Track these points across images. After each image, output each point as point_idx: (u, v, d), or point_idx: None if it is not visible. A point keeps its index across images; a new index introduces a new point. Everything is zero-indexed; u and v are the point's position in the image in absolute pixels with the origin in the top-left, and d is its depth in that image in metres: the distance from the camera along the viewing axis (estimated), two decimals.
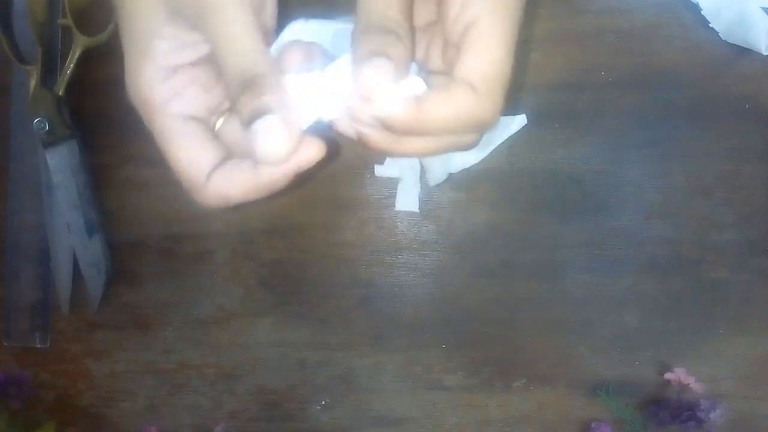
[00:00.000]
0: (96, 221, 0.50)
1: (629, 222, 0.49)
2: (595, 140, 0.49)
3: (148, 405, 0.52)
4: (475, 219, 0.50)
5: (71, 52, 0.49)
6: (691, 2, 0.47)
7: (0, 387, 0.50)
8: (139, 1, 0.29)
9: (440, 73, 0.30)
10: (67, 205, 0.49)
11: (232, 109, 0.30)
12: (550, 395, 0.49)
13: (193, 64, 0.30)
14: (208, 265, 0.51)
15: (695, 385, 0.46)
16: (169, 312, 0.52)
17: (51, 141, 0.49)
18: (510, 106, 0.47)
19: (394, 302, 0.50)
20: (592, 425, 0.48)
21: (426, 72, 0.30)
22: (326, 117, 0.29)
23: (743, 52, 0.47)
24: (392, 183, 0.50)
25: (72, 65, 0.49)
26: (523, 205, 0.49)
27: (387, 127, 0.28)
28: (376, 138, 0.29)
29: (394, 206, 0.50)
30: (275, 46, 0.31)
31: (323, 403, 0.51)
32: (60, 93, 0.49)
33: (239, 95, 0.27)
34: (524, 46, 0.49)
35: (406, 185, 0.50)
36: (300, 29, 0.33)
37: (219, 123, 0.31)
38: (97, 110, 0.51)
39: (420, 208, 0.50)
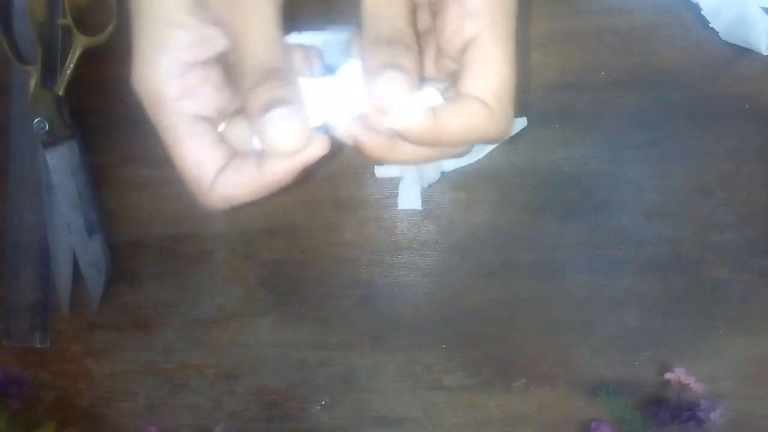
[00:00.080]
0: (96, 221, 0.50)
1: (629, 222, 0.49)
2: (595, 140, 0.49)
3: (148, 405, 0.52)
4: (475, 219, 0.50)
5: (71, 52, 0.49)
6: (691, 2, 0.47)
7: (0, 387, 0.50)
8: None
9: (438, 81, 0.30)
10: (67, 205, 0.49)
11: (243, 103, 0.29)
12: (550, 395, 0.49)
13: (206, 62, 0.30)
14: (208, 265, 0.51)
15: (695, 385, 0.46)
16: (169, 312, 0.52)
17: (51, 141, 0.49)
18: None
19: (394, 302, 0.50)
20: (592, 425, 0.48)
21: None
22: (329, 121, 0.29)
23: (743, 52, 0.47)
24: (392, 183, 0.50)
25: (72, 65, 0.49)
26: (523, 205, 0.49)
27: (403, 137, 0.28)
28: (373, 145, 0.29)
29: (394, 206, 0.50)
30: None
31: (323, 403, 0.51)
32: (60, 93, 0.49)
33: (258, 85, 0.27)
34: (524, 46, 0.49)
35: (407, 184, 0.50)
36: (294, 40, 0.33)
37: (221, 126, 0.31)
38: (97, 110, 0.51)
39: (421, 206, 0.50)
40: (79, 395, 0.52)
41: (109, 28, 0.49)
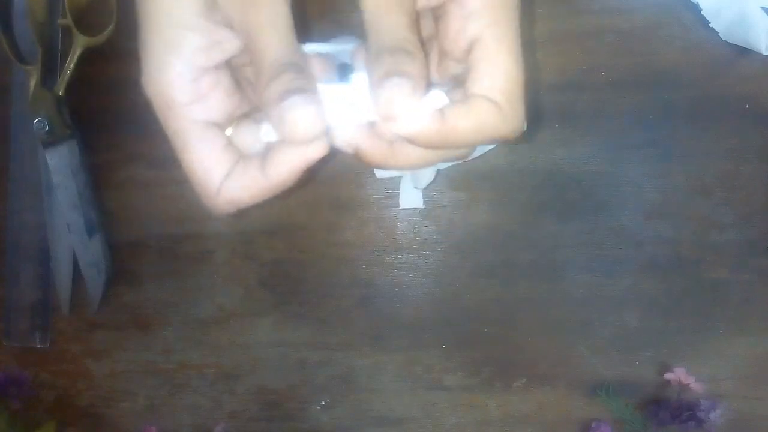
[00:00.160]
0: (96, 221, 0.50)
1: (629, 222, 0.49)
2: (595, 140, 0.49)
3: (148, 405, 0.52)
4: (475, 219, 0.50)
5: (71, 52, 0.48)
6: (691, 2, 0.47)
7: (0, 387, 0.50)
8: None
9: (442, 86, 0.31)
10: (67, 205, 0.49)
11: (259, 100, 0.29)
12: (550, 395, 0.49)
13: (217, 66, 0.30)
14: (208, 265, 0.51)
15: (695, 385, 0.46)
16: (169, 312, 0.52)
17: (51, 141, 0.49)
18: None
19: (394, 302, 0.50)
20: (592, 425, 0.48)
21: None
22: (330, 128, 0.29)
23: (743, 52, 0.47)
24: (392, 183, 0.50)
25: (72, 65, 0.49)
26: (523, 205, 0.49)
27: (410, 141, 0.28)
28: (373, 152, 0.29)
29: (394, 206, 0.50)
30: None
31: (323, 403, 0.51)
32: (60, 93, 0.49)
33: (275, 78, 0.27)
34: (524, 46, 0.49)
35: (408, 183, 0.50)
36: (309, 49, 0.34)
37: (229, 130, 0.31)
38: (97, 110, 0.51)
39: (422, 205, 0.50)
40: (79, 395, 0.52)
41: (109, 28, 0.49)
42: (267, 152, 0.29)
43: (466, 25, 0.29)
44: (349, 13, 0.49)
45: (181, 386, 0.52)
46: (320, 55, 0.30)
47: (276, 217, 0.51)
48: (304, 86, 0.27)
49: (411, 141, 0.28)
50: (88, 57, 0.49)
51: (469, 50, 0.29)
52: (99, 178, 0.51)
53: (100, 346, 0.52)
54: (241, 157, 0.30)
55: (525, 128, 0.29)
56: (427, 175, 0.49)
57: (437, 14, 0.31)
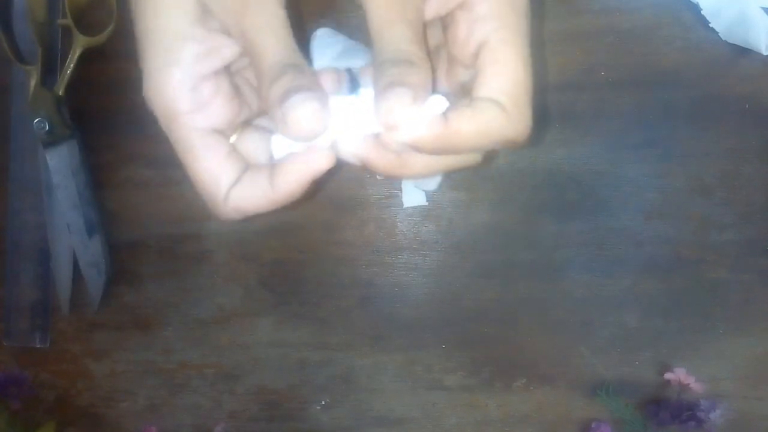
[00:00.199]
0: (96, 221, 0.50)
1: (629, 222, 0.49)
2: (595, 140, 0.49)
3: (148, 405, 0.52)
4: (475, 219, 0.50)
5: (71, 52, 0.48)
6: (691, 2, 0.47)
7: (0, 387, 0.50)
8: None
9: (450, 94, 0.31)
10: (67, 205, 0.49)
11: (262, 104, 0.30)
12: (550, 395, 0.49)
13: (216, 73, 0.30)
14: (208, 265, 0.51)
15: (695, 385, 0.46)
16: (169, 312, 0.52)
17: (51, 141, 0.49)
18: None
19: (394, 302, 0.50)
20: (592, 425, 0.48)
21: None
22: (338, 141, 0.29)
23: (743, 52, 0.47)
24: (392, 183, 0.50)
25: (72, 65, 0.49)
26: (523, 205, 0.49)
27: (416, 149, 0.28)
28: (383, 162, 0.29)
29: (394, 206, 0.50)
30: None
31: (323, 403, 0.51)
32: (60, 93, 0.49)
33: (276, 80, 0.27)
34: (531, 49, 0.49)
35: (410, 181, 0.49)
36: (325, 34, 0.38)
37: (233, 138, 0.32)
38: (97, 110, 0.51)
39: (421, 207, 0.50)
40: (79, 395, 0.52)
41: (109, 28, 0.49)
42: (275, 163, 0.29)
43: (474, 29, 0.29)
44: (349, 13, 0.49)
45: (181, 386, 0.52)
46: (332, 70, 0.31)
47: (275, 217, 0.51)
48: (305, 85, 0.27)
49: (415, 148, 0.28)
50: (88, 57, 0.49)
51: (477, 54, 0.29)
52: (99, 178, 0.51)
53: (100, 346, 0.52)
54: (248, 165, 0.31)
55: (530, 132, 0.29)
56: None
57: (446, 23, 0.31)
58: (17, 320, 0.52)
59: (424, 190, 0.49)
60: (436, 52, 0.33)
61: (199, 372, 0.52)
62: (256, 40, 0.28)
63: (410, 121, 0.27)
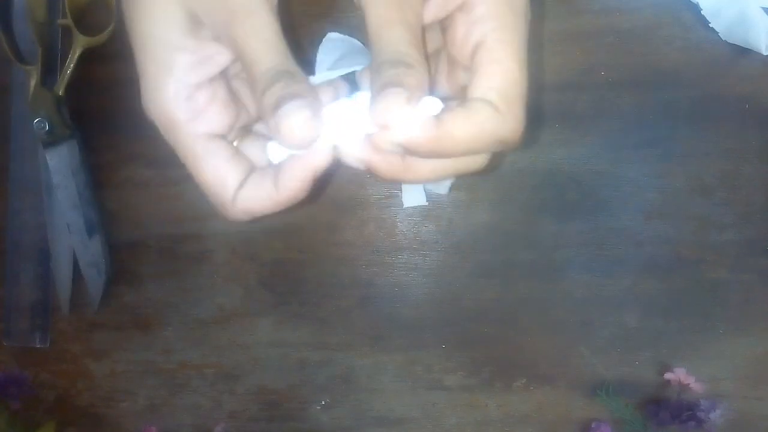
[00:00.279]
0: (96, 221, 0.50)
1: (629, 222, 0.49)
2: (595, 140, 0.49)
3: (148, 405, 0.52)
4: (475, 219, 0.50)
5: (71, 52, 0.49)
6: (691, 2, 0.47)
7: (0, 387, 0.50)
8: (156, 10, 0.29)
9: (451, 98, 0.30)
10: (67, 205, 0.49)
11: (257, 110, 0.30)
12: (550, 395, 0.49)
13: (212, 80, 0.30)
14: (208, 265, 0.51)
15: (695, 385, 0.46)
16: (169, 312, 0.52)
17: (51, 141, 0.49)
18: None
19: (394, 302, 0.50)
20: (592, 425, 0.48)
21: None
22: (340, 146, 0.29)
23: (743, 52, 0.47)
24: (392, 183, 0.50)
25: (72, 65, 0.49)
26: (523, 205, 0.49)
27: (410, 151, 0.28)
28: (385, 166, 0.29)
29: (394, 206, 0.50)
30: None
31: (323, 403, 0.51)
32: (60, 93, 0.49)
33: (269, 88, 0.28)
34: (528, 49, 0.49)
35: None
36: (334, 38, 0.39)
37: (234, 143, 0.32)
38: (97, 110, 0.51)
39: (421, 207, 0.50)
40: (79, 395, 0.52)
41: (109, 28, 0.49)
42: (277, 166, 0.29)
43: (472, 30, 0.29)
44: (349, 13, 0.49)
45: (181, 386, 0.52)
46: (330, 85, 0.31)
47: (276, 217, 0.50)
48: (297, 92, 0.27)
49: (409, 149, 0.28)
50: (88, 57, 0.49)
51: (473, 55, 0.29)
52: (99, 178, 0.51)
53: (100, 346, 0.52)
54: (253, 166, 0.31)
55: (523, 132, 0.29)
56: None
57: (444, 25, 0.31)
58: (17, 320, 0.52)
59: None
60: (437, 55, 0.33)
61: (199, 372, 0.52)
62: (246, 48, 0.28)
63: (404, 121, 0.27)
